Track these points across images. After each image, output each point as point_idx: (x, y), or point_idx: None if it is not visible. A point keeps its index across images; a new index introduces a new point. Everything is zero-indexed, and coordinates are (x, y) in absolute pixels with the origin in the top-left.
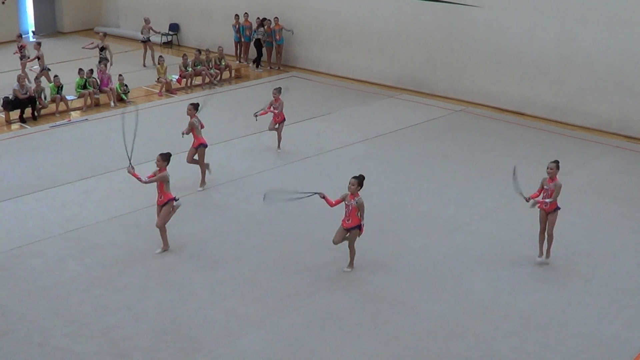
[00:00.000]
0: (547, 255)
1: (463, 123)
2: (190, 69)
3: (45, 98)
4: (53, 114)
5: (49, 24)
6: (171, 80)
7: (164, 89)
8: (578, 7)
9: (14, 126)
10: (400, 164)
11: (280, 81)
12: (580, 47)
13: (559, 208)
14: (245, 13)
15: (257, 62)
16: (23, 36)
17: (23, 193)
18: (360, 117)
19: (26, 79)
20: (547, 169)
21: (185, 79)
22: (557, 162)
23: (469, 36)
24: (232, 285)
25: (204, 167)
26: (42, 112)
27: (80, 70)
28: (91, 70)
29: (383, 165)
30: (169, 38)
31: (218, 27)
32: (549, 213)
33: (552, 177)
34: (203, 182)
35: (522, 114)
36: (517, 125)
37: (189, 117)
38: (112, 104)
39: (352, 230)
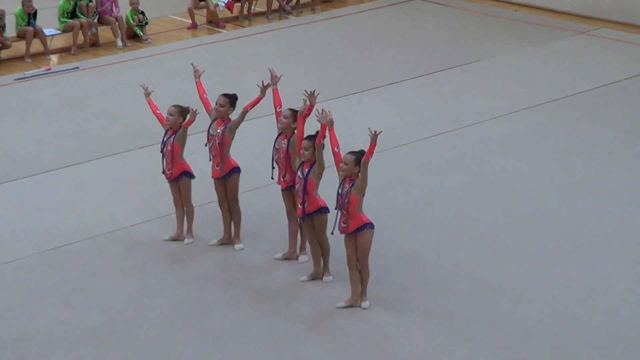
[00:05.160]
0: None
1: None
2: None
3: (4, 30)
4: (22, 57)
5: None
6: (217, 5)
7: (206, 20)
8: None
9: None
10: (591, 146)
11: (395, 7)
12: None
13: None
14: None
15: None
16: None
17: None
18: (527, 67)
19: None
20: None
21: (239, 4)
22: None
23: None
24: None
25: None
26: (3, 54)
27: None
28: None
29: (562, 147)
30: None
31: None
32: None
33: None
34: None
35: None
36: None
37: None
38: (120, 43)
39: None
